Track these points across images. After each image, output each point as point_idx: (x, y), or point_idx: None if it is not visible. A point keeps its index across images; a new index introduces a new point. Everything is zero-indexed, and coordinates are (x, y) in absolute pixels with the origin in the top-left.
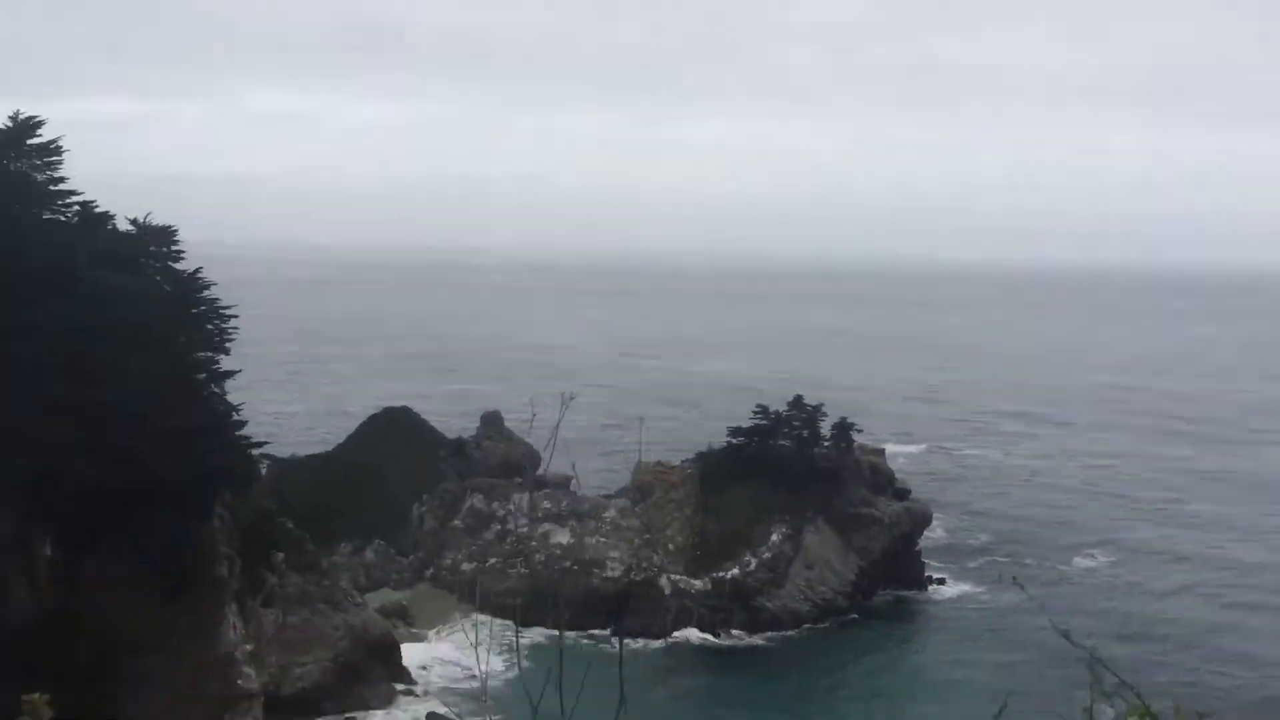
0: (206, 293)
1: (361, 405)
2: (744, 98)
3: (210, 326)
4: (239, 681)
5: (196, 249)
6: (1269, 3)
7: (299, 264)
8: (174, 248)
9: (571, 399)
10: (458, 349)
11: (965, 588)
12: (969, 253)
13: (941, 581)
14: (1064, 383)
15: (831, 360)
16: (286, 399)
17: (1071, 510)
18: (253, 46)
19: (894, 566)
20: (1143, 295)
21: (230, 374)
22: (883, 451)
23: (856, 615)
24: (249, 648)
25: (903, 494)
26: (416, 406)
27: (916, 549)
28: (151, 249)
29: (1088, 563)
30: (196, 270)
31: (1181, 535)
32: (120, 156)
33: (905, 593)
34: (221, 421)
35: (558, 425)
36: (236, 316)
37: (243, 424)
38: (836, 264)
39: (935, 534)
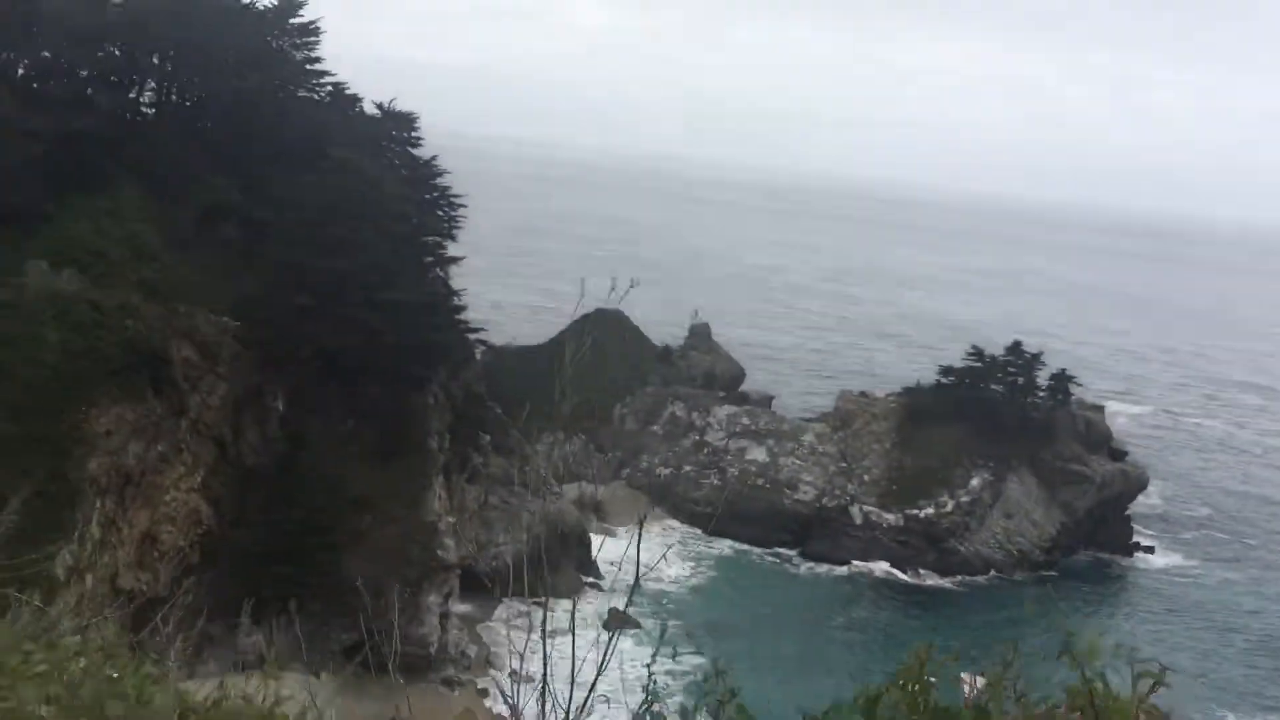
0: (440, 179)
1: (575, 304)
2: (984, 21)
3: (440, 213)
4: (440, 552)
5: (432, 137)
6: None
7: (527, 160)
8: (414, 133)
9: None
10: (673, 259)
11: (1176, 559)
12: (1248, 212)
13: (1150, 550)
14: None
15: (1070, 312)
16: (506, 290)
17: None
18: None
19: (1099, 528)
20: None
21: (455, 259)
22: (1102, 409)
23: (1053, 572)
24: (451, 520)
25: (1118, 454)
26: (628, 311)
27: (1126, 513)
28: (393, 133)
29: None
30: (433, 157)
31: None
32: (357, 38)
33: (1108, 556)
34: (443, 302)
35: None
36: (465, 205)
37: (463, 307)
38: (1090, 214)
39: (1150, 501)
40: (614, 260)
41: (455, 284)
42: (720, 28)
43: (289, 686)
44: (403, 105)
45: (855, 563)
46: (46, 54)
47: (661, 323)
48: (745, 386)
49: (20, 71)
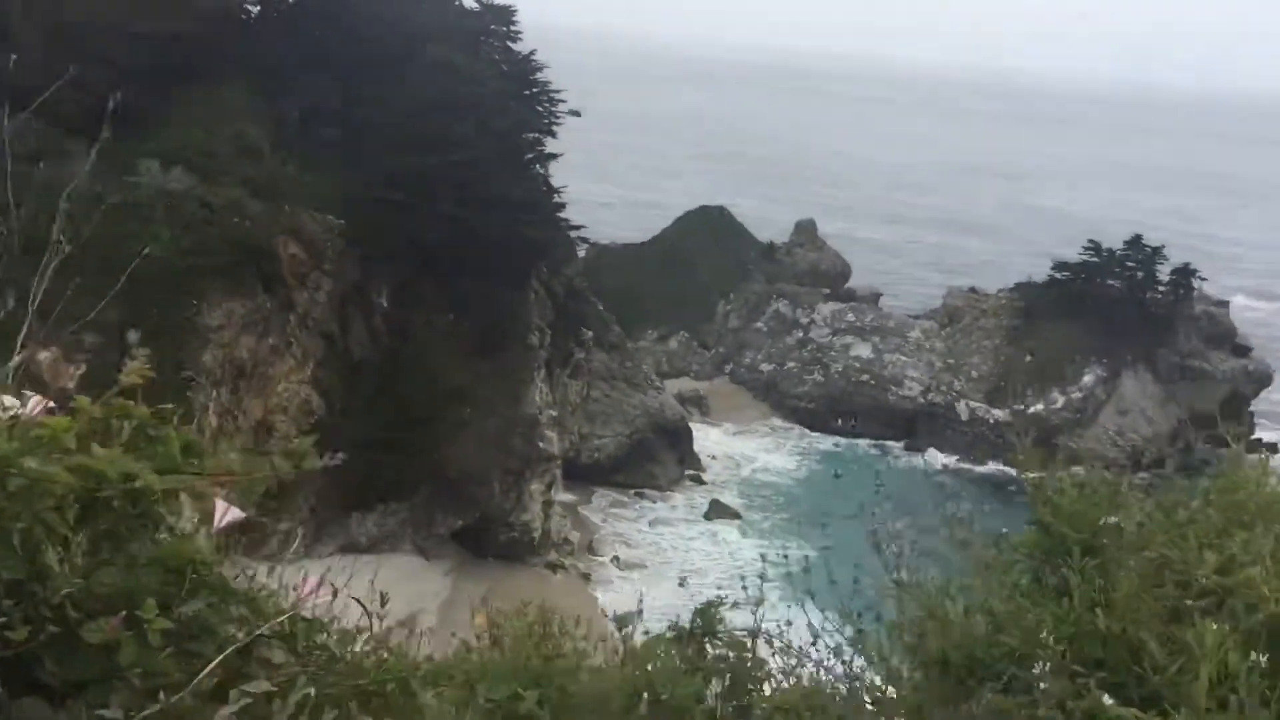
0: (539, 75)
1: (681, 202)
2: None
3: (540, 109)
4: (540, 443)
5: (544, 31)
6: None
7: (633, 55)
8: (513, 27)
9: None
10: (786, 155)
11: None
12: None
13: (1274, 447)
14: None
15: (1212, 201)
16: (610, 188)
17: None
18: None
19: (1220, 425)
20: None
21: (553, 156)
22: (1227, 304)
23: (1170, 469)
24: (553, 413)
25: (1243, 350)
26: (735, 207)
27: (1249, 410)
28: (492, 27)
29: None
30: (531, 52)
31: None
32: None
33: (1227, 451)
34: (542, 198)
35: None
36: (565, 101)
37: (562, 204)
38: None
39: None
40: (721, 156)
41: (558, 181)
42: None
43: (400, 566)
44: None
45: (953, 460)
46: None
47: (768, 220)
48: (852, 283)
49: None
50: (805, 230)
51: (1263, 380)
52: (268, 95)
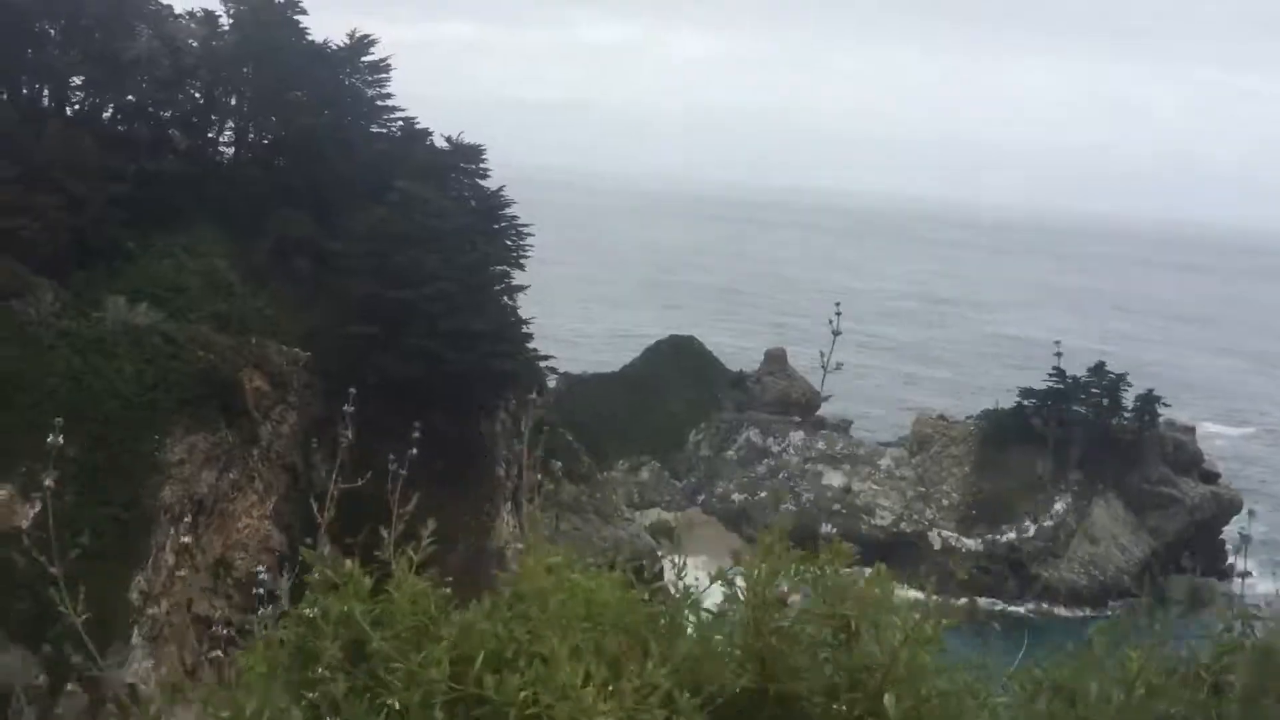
0: (507, 210)
1: (651, 333)
2: (1073, 33)
3: (508, 242)
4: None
5: (521, 170)
6: None
7: (616, 192)
8: (481, 165)
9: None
10: (754, 285)
11: (1271, 585)
12: None
13: (1246, 575)
14: None
15: (1166, 331)
16: (583, 320)
17: None
18: None
19: (1191, 553)
20: None
21: (522, 287)
22: (1193, 430)
23: (1142, 598)
24: (519, 546)
25: (1210, 476)
26: (704, 338)
27: (1220, 538)
28: (461, 165)
29: None
30: (500, 188)
31: None
32: (460, 78)
33: (1201, 579)
34: (510, 330)
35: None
36: (533, 235)
37: (528, 335)
38: (1192, 229)
39: (1254, 527)
40: (692, 287)
41: (529, 312)
42: (820, 55)
43: None
44: (490, 140)
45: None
46: (131, 98)
47: (738, 349)
48: (822, 412)
49: (107, 115)
50: (775, 358)
51: (1231, 506)
52: (241, 231)
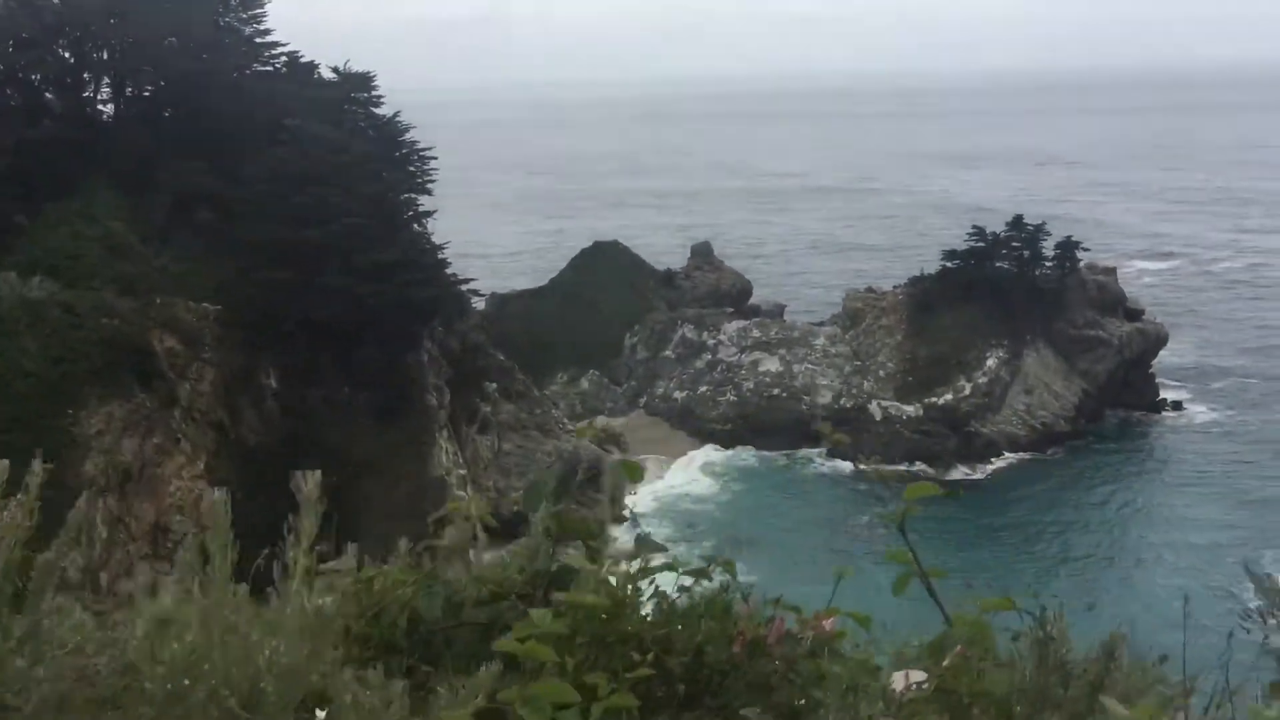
0: (406, 136)
1: (579, 241)
2: None
3: (411, 169)
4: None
5: (407, 94)
6: None
7: (520, 104)
8: (374, 93)
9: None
10: (675, 182)
11: (1206, 411)
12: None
13: (1179, 405)
14: None
15: (1089, 173)
16: (506, 235)
17: None
18: None
19: (1125, 390)
20: None
21: (430, 213)
22: (1113, 270)
23: (1081, 440)
24: (461, 473)
25: (1135, 314)
26: (635, 239)
27: (1150, 371)
28: (352, 95)
29: None
30: (395, 114)
31: None
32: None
33: (1138, 415)
34: (425, 257)
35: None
36: (436, 158)
37: (444, 261)
38: (1100, 75)
39: (1182, 356)
40: (621, 191)
41: (452, 237)
42: None
43: None
44: (398, 63)
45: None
46: None
47: (665, 246)
48: (754, 299)
49: None
50: (701, 253)
51: (1158, 340)
52: (135, 189)
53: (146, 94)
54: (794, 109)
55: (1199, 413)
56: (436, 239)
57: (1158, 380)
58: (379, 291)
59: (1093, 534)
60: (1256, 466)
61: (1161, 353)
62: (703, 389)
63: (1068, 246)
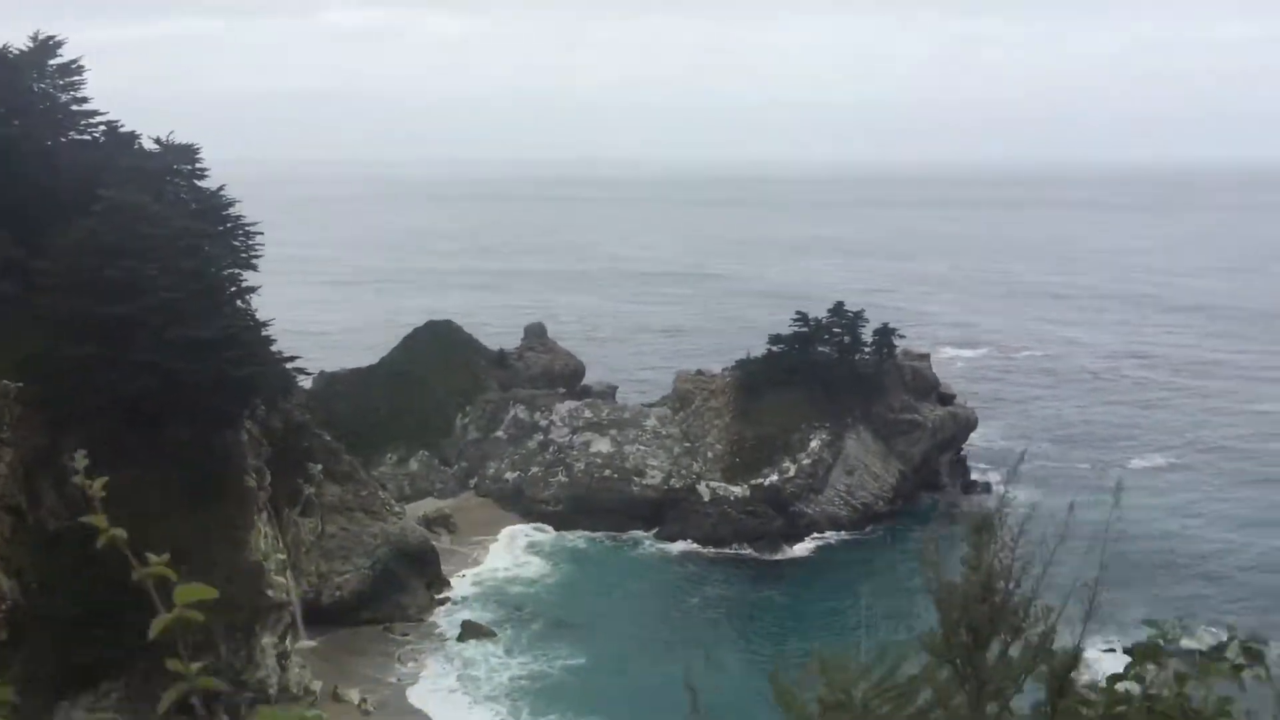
0: (232, 210)
1: (413, 319)
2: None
3: (236, 243)
4: (268, 591)
5: (261, 166)
6: None
7: (368, 180)
8: (198, 165)
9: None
10: (512, 262)
11: (1012, 492)
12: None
13: (987, 487)
14: (1138, 280)
15: (912, 264)
16: (340, 313)
17: (1137, 411)
18: None
19: (938, 471)
20: (1231, 192)
21: (253, 289)
22: (927, 356)
23: (898, 520)
24: (281, 557)
25: (947, 399)
26: (469, 318)
27: (961, 454)
28: (176, 166)
29: (1146, 464)
30: (220, 188)
31: (1251, 439)
32: (198, 74)
33: (949, 496)
34: (245, 334)
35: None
36: (262, 233)
37: (268, 338)
38: (939, 170)
39: (990, 440)
40: (461, 271)
41: (282, 312)
42: (579, 28)
43: None
44: (236, 136)
45: (714, 541)
46: None
47: (499, 327)
48: (587, 380)
49: None
50: (535, 333)
51: (968, 424)
52: None
53: None
54: (639, 194)
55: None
56: (264, 315)
57: (969, 462)
58: (195, 369)
59: (904, 617)
60: (1061, 546)
61: (971, 436)
62: (534, 470)
63: (885, 333)
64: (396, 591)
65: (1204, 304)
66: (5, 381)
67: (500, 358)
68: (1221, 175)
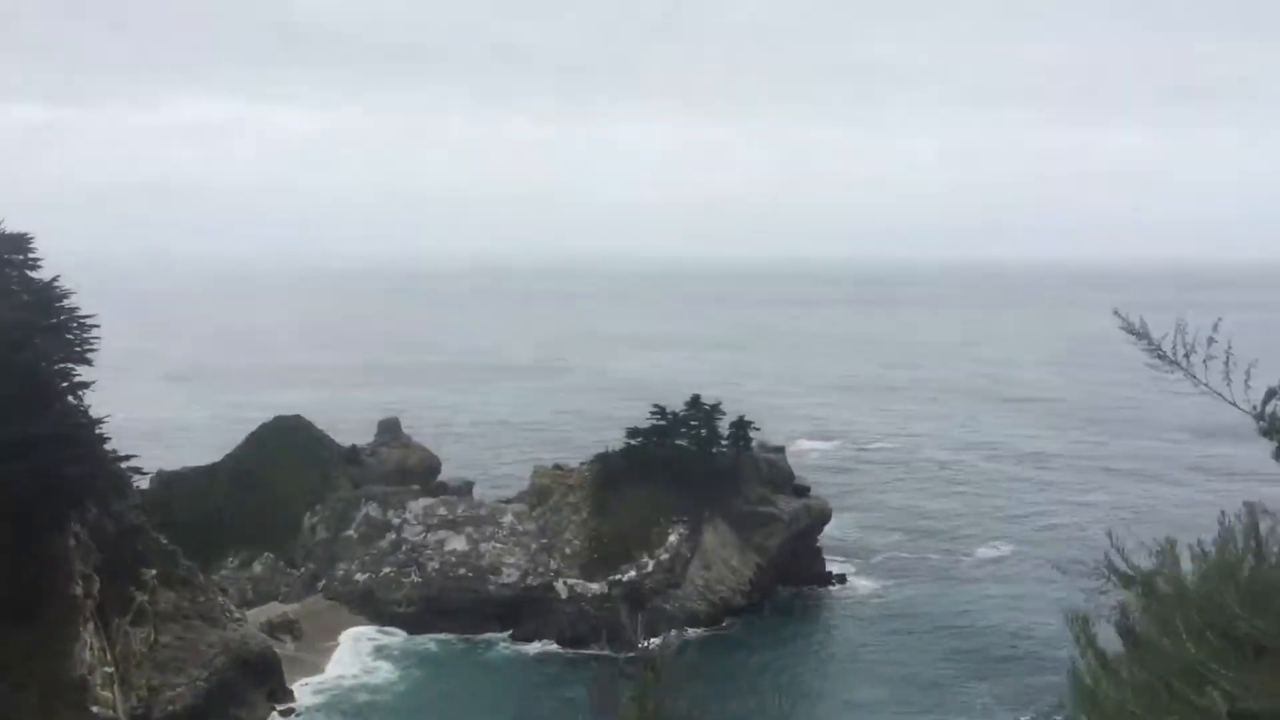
0: (65, 302)
1: (260, 415)
2: (672, 100)
3: (70, 336)
4: (93, 707)
5: (97, 260)
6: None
7: (210, 276)
8: (30, 255)
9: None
10: (364, 357)
11: (867, 583)
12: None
13: (843, 579)
14: (978, 374)
15: (760, 358)
16: (181, 410)
17: (980, 500)
18: (176, 51)
19: (794, 564)
20: (1046, 287)
21: (87, 384)
22: (783, 449)
23: (755, 614)
24: (109, 670)
25: (802, 491)
26: (320, 414)
27: (817, 545)
28: (5, 256)
29: (991, 553)
30: (54, 279)
31: (1090, 524)
32: (32, 164)
33: (806, 589)
34: (76, 432)
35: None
36: (98, 326)
37: (101, 435)
38: (766, 265)
39: (845, 530)
40: (304, 366)
41: (116, 409)
42: (438, 124)
43: None
44: (68, 229)
45: (571, 640)
46: None
47: (354, 422)
48: (442, 476)
49: None
50: (389, 428)
51: (823, 516)
52: None
53: None
54: (487, 287)
55: (861, 585)
56: (96, 412)
57: (824, 554)
58: (19, 468)
59: (769, 700)
60: (913, 638)
61: (826, 527)
62: (386, 570)
63: (741, 425)
64: (234, 704)
65: (1036, 396)
66: None
67: (352, 453)
68: (1032, 272)
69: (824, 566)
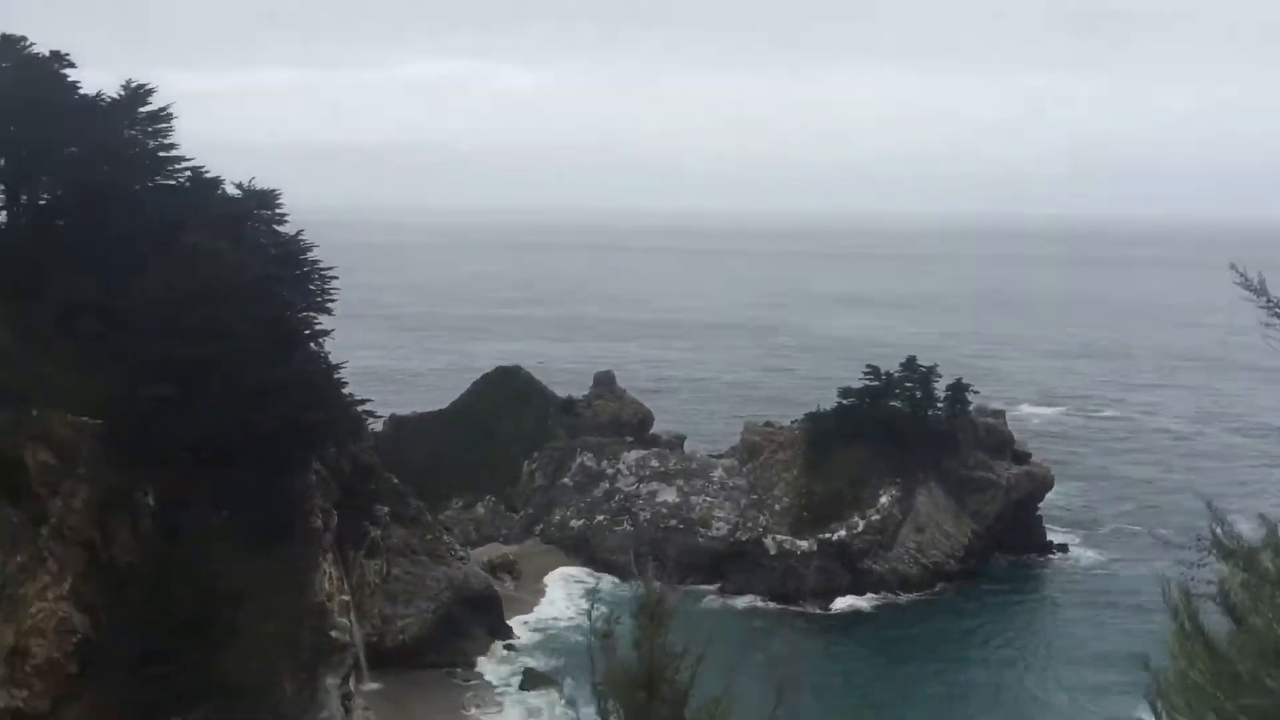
0: (309, 254)
1: (483, 364)
2: (889, 51)
3: (312, 287)
4: (332, 633)
5: (340, 214)
6: None
7: (439, 229)
8: (278, 210)
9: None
10: (585, 311)
11: (1091, 554)
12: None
13: (1064, 549)
14: (1220, 341)
15: (985, 320)
16: (410, 357)
17: (1221, 473)
18: (411, 14)
19: (1012, 531)
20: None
21: (327, 332)
22: (1003, 413)
23: (969, 581)
24: (345, 599)
25: (1023, 457)
26: (541, 365)
27: (1037, 513)
28: (256, 211)
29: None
30: (299, 232)
31: None
32: (283, 124)
33: (1025, 557)
34: (317, 378)
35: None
36: (337, 277)
37: (340, 380)
38: (1008, 224)
39: (1069, 499)
40: (525, 319)
41: (355, 356)
42: (649, 81)
43: None
44: (314, 184)
45: (779, 595)
46: None
47: (568, 374)
48: (655, 429)
49: None
50: (604, 382)
51: (1045, 483)
52: (21, 296)
53: (43, 202)
54: (711, 246)
55: (1085, 556)
56: (335, 358)
57: (1045, 523)
58: (266, 412)
59: (979, 670)
60: (1135, 615)
61: (1048, 496)
62: (599, 518)
63: (958, 388)
64: (459, 636)
65: None
66: (85, 418)
67: (569, 405)
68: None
69: (1045, 535)
